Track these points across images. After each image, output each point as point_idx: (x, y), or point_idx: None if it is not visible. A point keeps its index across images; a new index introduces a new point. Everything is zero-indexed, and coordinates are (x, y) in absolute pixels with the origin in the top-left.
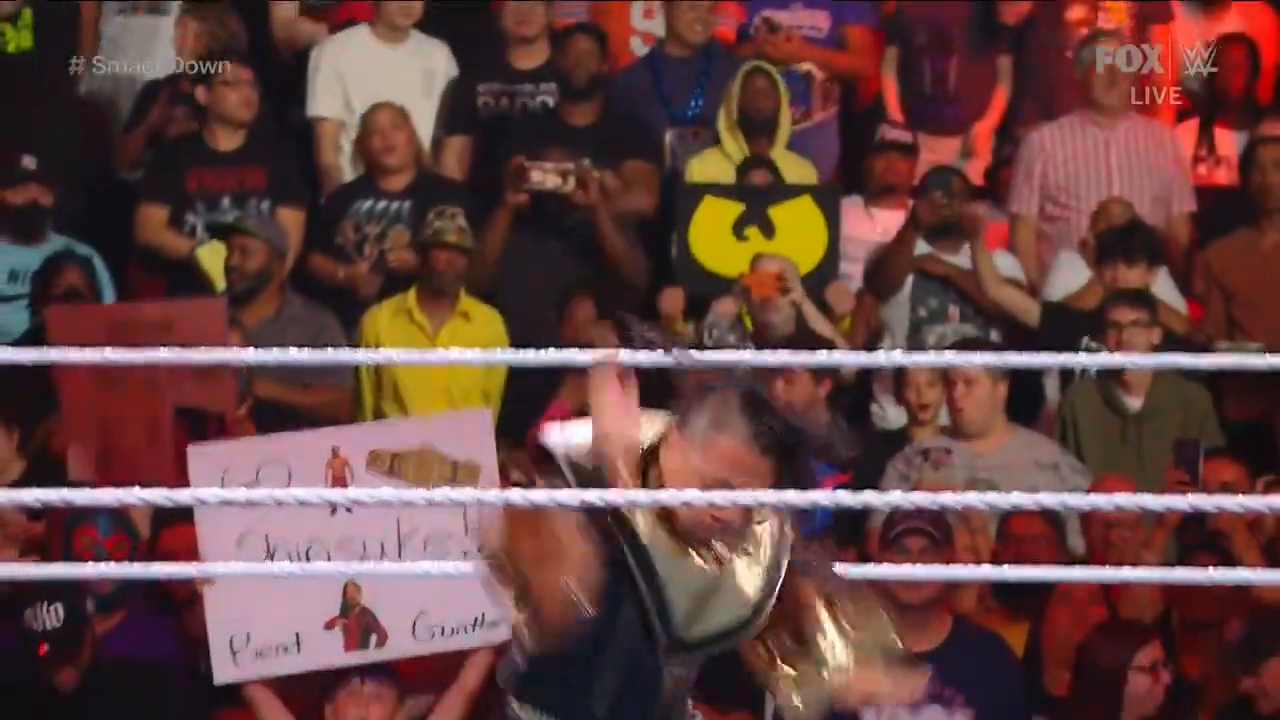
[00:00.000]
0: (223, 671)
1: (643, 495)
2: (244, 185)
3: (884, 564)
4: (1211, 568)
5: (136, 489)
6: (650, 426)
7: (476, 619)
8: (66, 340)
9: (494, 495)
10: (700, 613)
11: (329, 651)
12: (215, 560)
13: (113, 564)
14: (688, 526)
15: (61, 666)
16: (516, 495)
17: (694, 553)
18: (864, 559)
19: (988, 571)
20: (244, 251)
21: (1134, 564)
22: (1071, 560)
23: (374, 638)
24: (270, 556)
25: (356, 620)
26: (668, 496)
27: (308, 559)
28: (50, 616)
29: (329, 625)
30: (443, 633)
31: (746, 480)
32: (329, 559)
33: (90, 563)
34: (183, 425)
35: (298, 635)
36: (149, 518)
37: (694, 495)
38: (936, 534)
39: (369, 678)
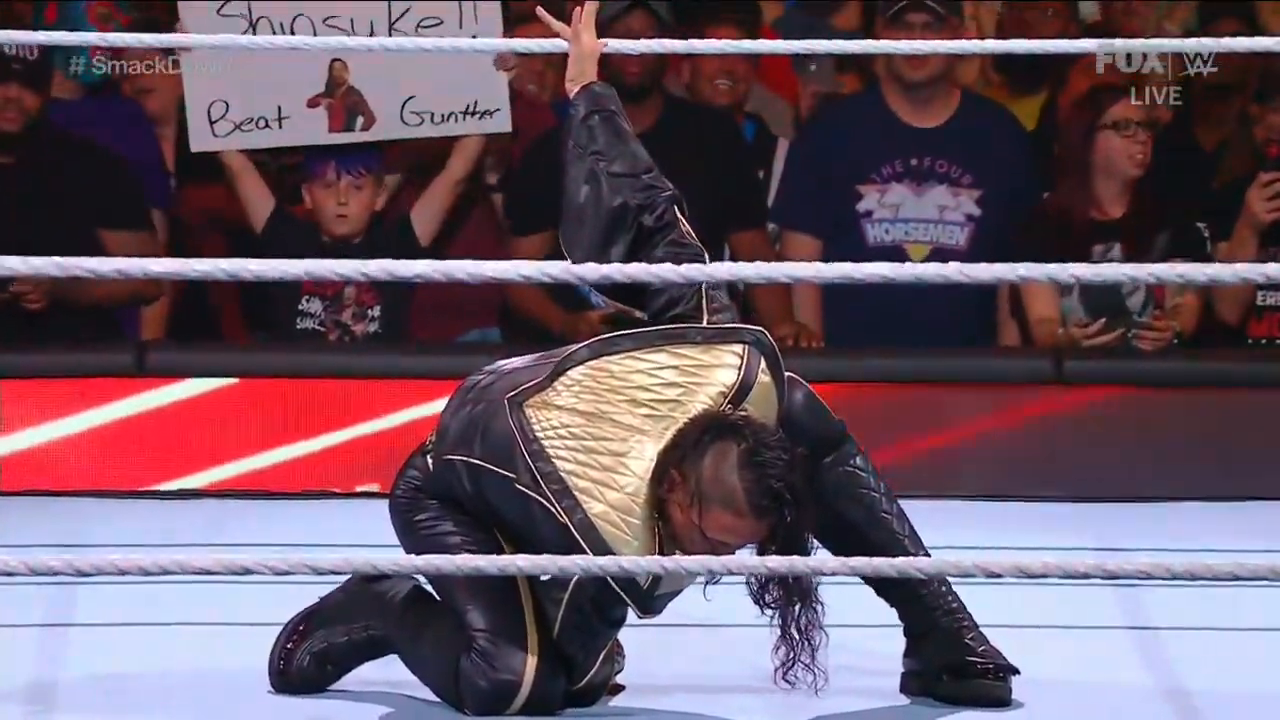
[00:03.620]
0: (199, 140)
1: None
2: None
3: (886, 40)
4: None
5: None
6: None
7: (469, 106)
8: None
9: None
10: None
11: (311, 129)
12: (196, 26)
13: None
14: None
15: None
16: None
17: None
18: (869, 35)
19: (994, 44)
20: None
21: (1154, 35)
22: (1083, 30)
23: (359, 120)
24: (252, 29)
25: (342, 100)
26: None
27: (292, 33)
28: None
29: (312, 103)
30: (432, 119)
31: (741, 542)
32: (314, 35)
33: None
34: None
35: (280, 110)
36: None
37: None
38: (940, 8)
39: (345, 171)
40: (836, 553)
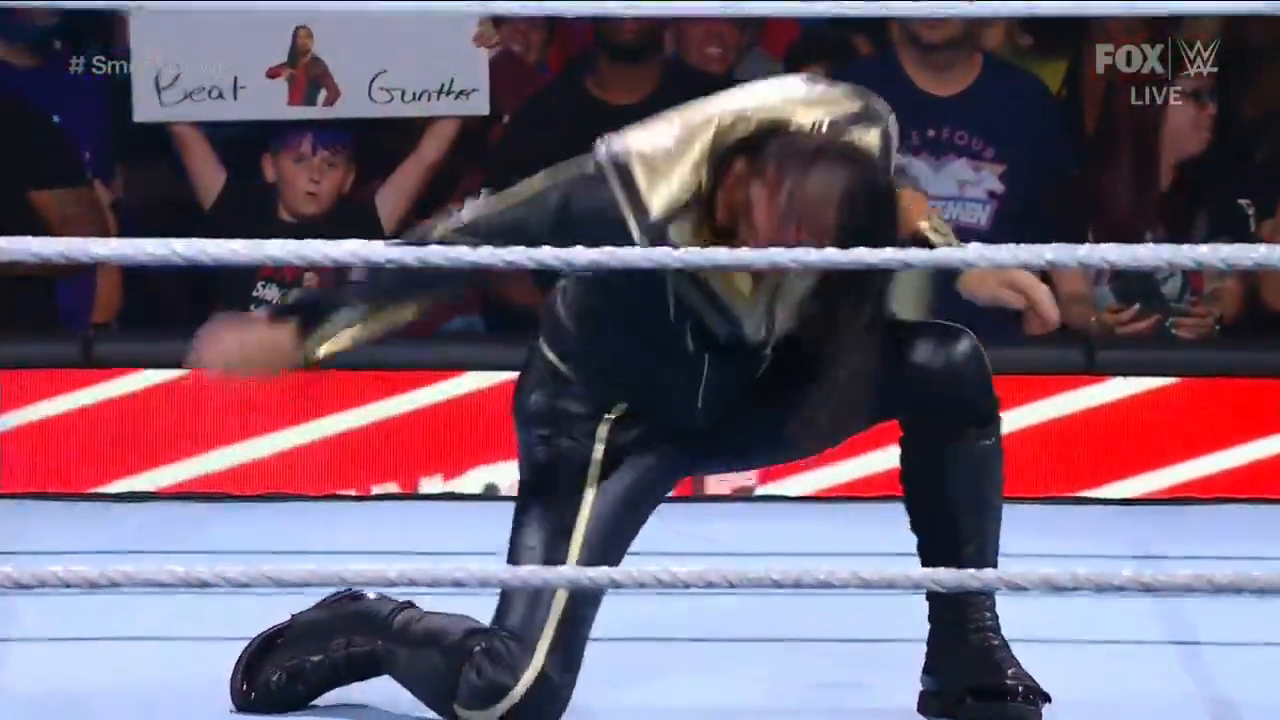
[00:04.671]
0: (144, 110)
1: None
2: None
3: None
4: None
5: None
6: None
7: (444, 84)
8: None
9: None
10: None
11: (269, 103)
12: None
13: None
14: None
15: None
16: None
17: None
18: None
19: (1016, 5)
20: None
21: None
22: None
23: (323, 94)
24: None
25: (304, 71)
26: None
27: None
28: None
29: (272, 74)
30: (404, 97)
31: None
32: None
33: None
34: None
35: (235, 80)
36: None
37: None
38: None
39: (321, 144)
40: (918, 520)
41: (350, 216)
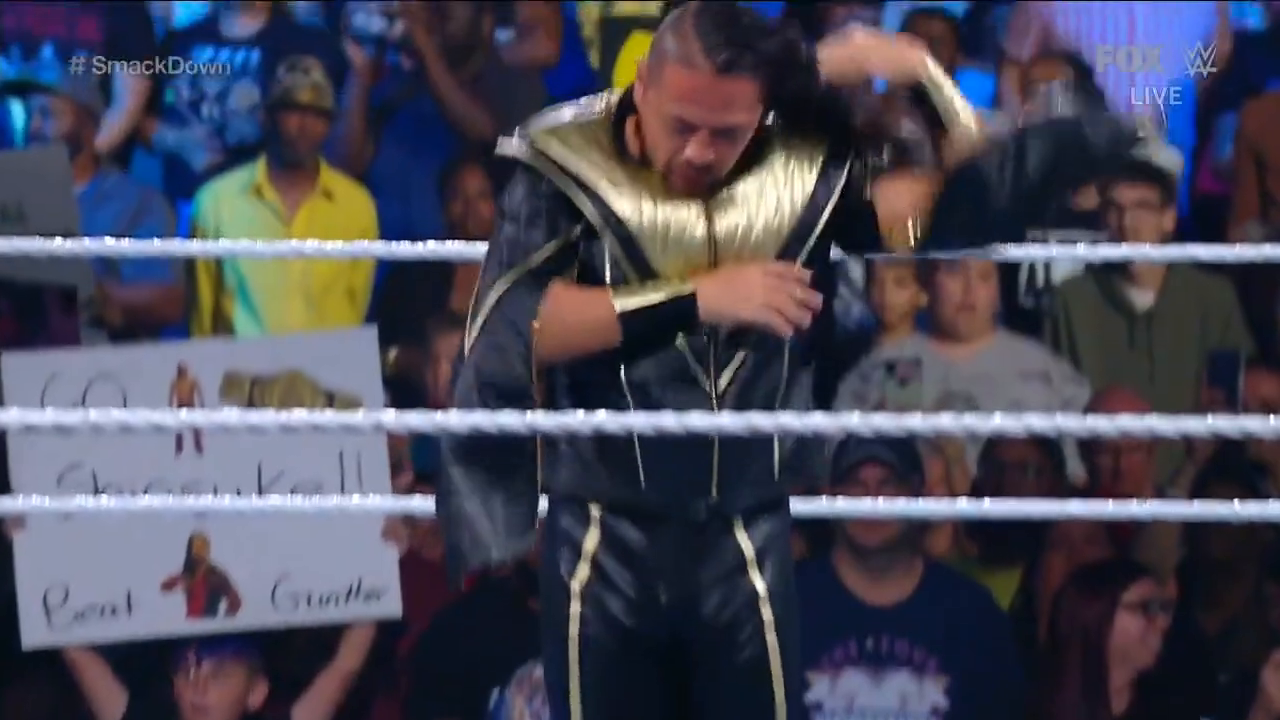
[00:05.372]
0: (33, 634)
1: None
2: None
3: (837, 499)
4: (1237, 500)
5: None
6: None
7: (352, 587)
8: None
9: (388, 421)
10: None
11: (167, 617)
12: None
13: None
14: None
15: None
16: (420, 420)
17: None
18: (811, 491)
19: (965, 507)
20: (45, 112)
21: (1151, 497)
22: (1071, 491)
23: (224, 603)
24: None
25: (203, 581)
26: None
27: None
28: None
29: (168, 585)
30: (309, 601)
31: (707, 112)
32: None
33: None
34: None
35: (129, 595)
36: None
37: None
38: (899, 463)
39: (206, 654)
40: None
41: None
